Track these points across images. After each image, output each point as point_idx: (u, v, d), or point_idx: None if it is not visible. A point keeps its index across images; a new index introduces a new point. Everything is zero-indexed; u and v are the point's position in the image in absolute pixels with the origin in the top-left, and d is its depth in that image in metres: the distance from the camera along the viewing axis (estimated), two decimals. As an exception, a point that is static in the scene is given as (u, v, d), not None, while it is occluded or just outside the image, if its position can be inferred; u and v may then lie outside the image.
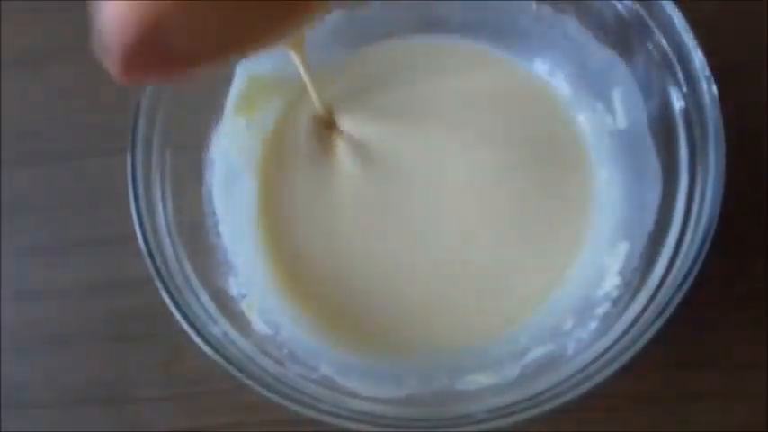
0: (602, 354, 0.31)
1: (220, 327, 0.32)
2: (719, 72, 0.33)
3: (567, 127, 0.41)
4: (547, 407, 0.30)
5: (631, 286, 0.34)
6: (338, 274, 0.39)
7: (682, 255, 0.32)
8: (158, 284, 0.32)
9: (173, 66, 0.25)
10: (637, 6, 0.35)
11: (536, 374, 0.33)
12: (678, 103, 0.34)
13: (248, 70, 0.39)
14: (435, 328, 0.38)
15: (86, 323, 0.41)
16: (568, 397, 0.30)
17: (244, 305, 0.36)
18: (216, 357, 0.31)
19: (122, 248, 0.37)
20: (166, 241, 0.33)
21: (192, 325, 0.31)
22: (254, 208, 0.40)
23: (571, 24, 0.38)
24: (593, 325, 0.34)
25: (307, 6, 0.27)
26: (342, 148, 0.40)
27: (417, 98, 0.41)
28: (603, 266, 0.37)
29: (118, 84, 0.25)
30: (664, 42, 0.34)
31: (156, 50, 0.24)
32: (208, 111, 0.38)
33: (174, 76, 0.27)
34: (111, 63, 0.24)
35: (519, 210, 0.39)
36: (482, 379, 0.34)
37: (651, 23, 0.34)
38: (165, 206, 0.34)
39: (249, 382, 0.31)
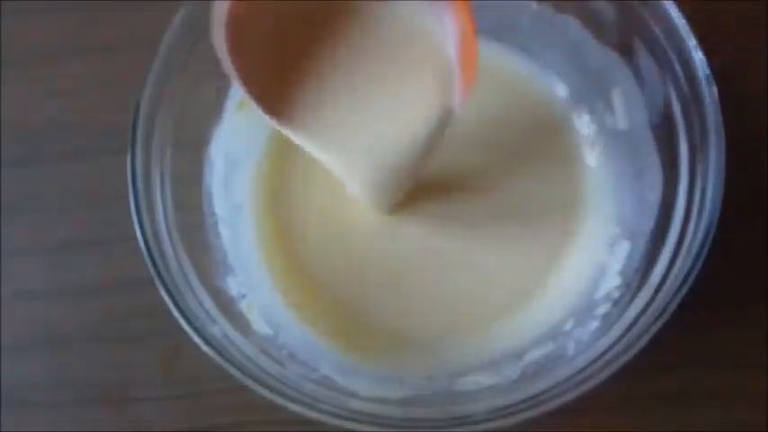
0: (602, 354, 0.31)
1: (220, 327, 0.32)
2: (719, 72, 0.33)
3: (567, 127, 0.41)
4: (547, 407, 0.29)
5: (632, 286, 0.34)
6: (338, 274, 0.39)
7: (682, 255, 0.32)
8: (158, 284, 0.32)
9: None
10: (637, 6, 0.35)
11: (536, 375, 0.33)
12: (678, 103, 0.34)
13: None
14: (435, 328, 0.38)
15: (86, 323, 0.41)
16: (568, 397, 0.30)
17: (244, 305, 0.36)
18: (216, 357, 0.31)
19: (122, 248, 0.37)
20: (166, 241, 0.33)
21: (191, 325, 0.31)
22: (255, 208, 0.40)
23: (571, 24, 0.38)
24: (593, 325, 0.34)
25: None
26: None
27: None
28: (604, 266, 0.37)
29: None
30: (664, 42, 0.34)
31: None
32: (208, 109, 0.38)
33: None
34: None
35: (518, 209, 0.39)
36: (482, 379, 0.34)
37: (651, 23, 0.34)
38: (165, 206, 0.34)
39: (249, 382, 0.30)
